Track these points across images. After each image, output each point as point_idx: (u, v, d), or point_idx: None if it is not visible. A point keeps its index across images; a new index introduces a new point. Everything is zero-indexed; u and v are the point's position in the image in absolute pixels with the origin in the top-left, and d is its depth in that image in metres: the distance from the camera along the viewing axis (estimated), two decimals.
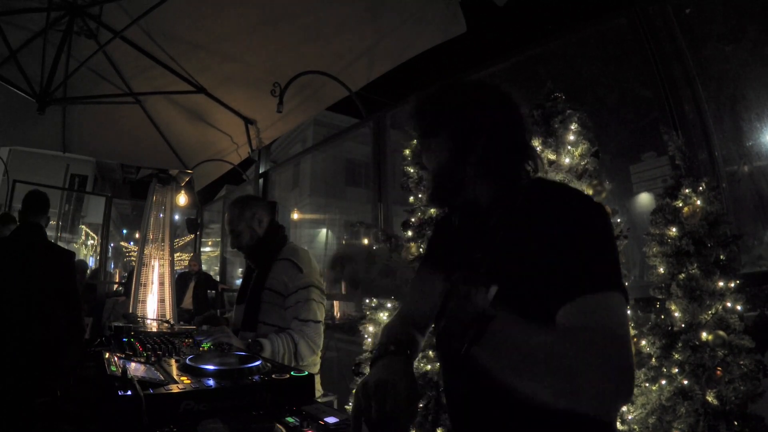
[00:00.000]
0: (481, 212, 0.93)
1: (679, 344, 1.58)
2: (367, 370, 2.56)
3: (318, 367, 1.99)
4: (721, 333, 1.52)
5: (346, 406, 2.71)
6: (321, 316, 1.90)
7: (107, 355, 1.25)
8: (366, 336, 2.68)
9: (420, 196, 2.59)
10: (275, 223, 2.06)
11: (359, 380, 2.59)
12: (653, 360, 1.67)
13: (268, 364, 1.19)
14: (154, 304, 4.49)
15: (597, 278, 0.72)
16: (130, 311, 4.11)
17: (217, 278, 7.01)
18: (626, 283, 1.78)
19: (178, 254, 9.93)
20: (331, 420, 0.92)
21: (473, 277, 0.77)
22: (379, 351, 0.86)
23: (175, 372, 1.09)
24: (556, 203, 0.81)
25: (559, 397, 0.64)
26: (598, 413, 0.66)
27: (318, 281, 1.94)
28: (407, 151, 2.73)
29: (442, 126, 0.91)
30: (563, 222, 0.77)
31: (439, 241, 1.12)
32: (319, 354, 1.97)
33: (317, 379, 1.99)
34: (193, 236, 7.37)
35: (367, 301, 2.69)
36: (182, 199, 5.34)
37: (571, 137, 2.02)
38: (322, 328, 1.91)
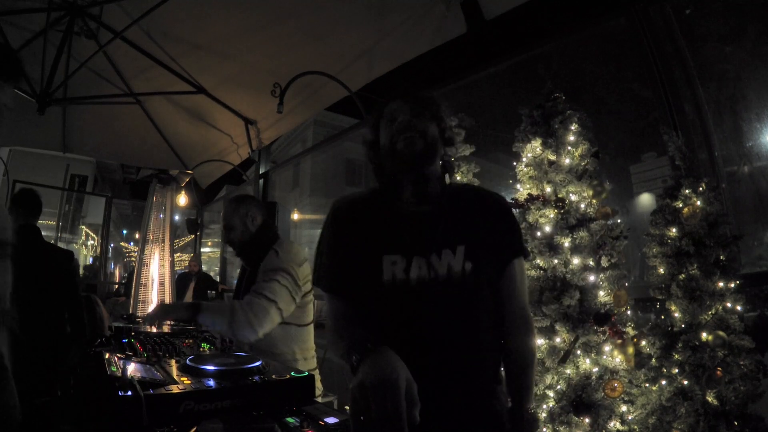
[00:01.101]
0: (427, 195, 1.12)
1: (679, 344, 1.58)
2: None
3: (308, 363, 1.93)
4: (721, 333, 1.52)
5: (346, 406, 2.71)
6: (282, 300, 1.72)
7: (107, 355, 1.25)
8: None
9: None
10: (268, 223, 2.04)
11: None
12: (653, 360, 1.67)
13: (268, 365, 1.19)
14: (154, 304, 4.49)
15: (523, 247, 1.17)
16: (131, 312, 4.11)
17: (217, 279, 7.01)
18: (626, 284, 1.78)
19: (178, 255, 9.93)
20: (331, 420, 0.92)
21: (439, 243, 1.05)
22: (358, 351, 0.84)
23: (175, 372, 1.09)
24: (489, 196, 1.18)
25: None
26: None
27: (292, 269, 1.81)
28: None
29: (437, 112, 1.16)
30: (499, 210, 1.15)
31: (363, 224, 1.14)
32: (308, 351, 1.92)
33: (317, 376, 1.96)
34: (193, 237, 7.37)
35: None
36: (182, 199, 5.34)
37: (571, 137, 2.02)
38: (275, 311, 1.71)
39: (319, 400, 1.21)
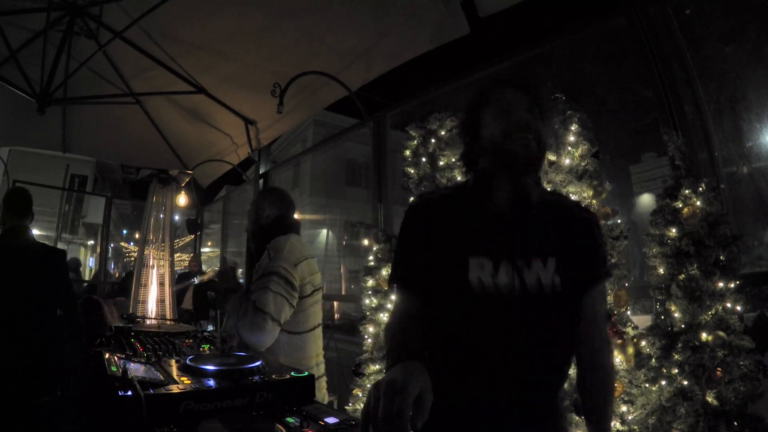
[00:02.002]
0: (524, 201, 1.03)
1: (679, 345, 1.58)
2: (367, 371, 2.56)
3: (316, 369, 1.79)
4: (721, 333, 1.52)
5: (346, 407, 2.71)
6: (276, 309, 1.62)
7: (107, 355, 1.25)
8: (366, 336, 2.68)
9: None
10: (280, 219, 1.91)
11: (359, 380, 2.60)
12: (653, 360, 1.67)
13: (269, 365, 1.19)
14: (154, 304, 4.48)
15: (609, 268, 1.13)
16: (131, 311, 4.11)
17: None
18: (626, 284, 1.78)
19: (178, 255, 9.93)
20: (331, 420, 0.92)
21: (530, 251, 0.99)
22: (391, 359, 0.85)
23: (175, 372, 1.09)
24: (583, 211, 1.13)
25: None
26: None
27: (285, 271, 1.69)
28: (407, 152, 2.73)
29: (549, 109, 1.06)
30: (592, 227, 1.09)
31: (446, 223, 1.06)
32: (315, 356, 1.81)
33: (323, 383, 1.85)
34: (193, 237, 7.37)
35: (367, 302, 2.69)
36: (182, 199, 5.34)
37: (571, 138, 2.02)
38: (270, 323, 1.60)
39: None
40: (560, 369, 1.04)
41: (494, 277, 0.97)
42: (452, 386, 0.95)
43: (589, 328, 1.03)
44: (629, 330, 1.84)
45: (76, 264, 7.75)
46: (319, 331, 1.86)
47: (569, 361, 1.06)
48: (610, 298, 1.85)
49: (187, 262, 7.25)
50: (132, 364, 1.14)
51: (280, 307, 1.64)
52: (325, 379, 1.88)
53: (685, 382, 1.54)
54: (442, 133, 2.61)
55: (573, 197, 1.99)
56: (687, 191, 1.68)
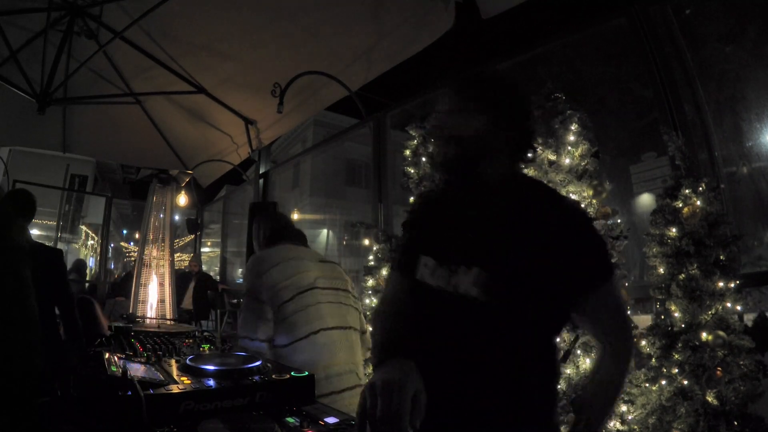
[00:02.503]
0: (483, 193, 1.00)
1: (679, 344, 1.58)
2: (367, 371, 2.56)
3: (326, 383, 1.57)
4: (721, 333, 1.52)
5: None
6: (252, 329, 1.58)
7: (107, 355, 1.25)
8: None
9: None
10: (270, 235, 1.89)
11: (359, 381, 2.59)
12: (653, 360, 1.67)
13: (269, 365, 1.19)
14: (154, 304, 4.49)
15: (609, 268, 0.95)
16: (130, 311, 4.11)
17: (217, 278, 7.01)
18: (626, 284, 1.78)
19: (178, 255, 9.93)
20: (331, 420, 0.92)
21: (459, 257, 0.94)
22: (381, 354, 0.86)
23: (175, 372, 1.09)
24: (562, 207, 0.98)
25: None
26: None
27: (253, 285, 1.63)
28: (407, 152, 2.73)
29: (492, 99, 0.98)
30: (573, 227, 0.94)
31: (429, 217, 1.10)
32: (324, 368, 1.57)
33: (345, 398, 1.60)
34: (193, 237, 7.37)
35: (367, 301, 2.69)
36: (182, 199, 5.34)
37: (571, 138, 2.02)
38: (254, 344, 1.57)
39: None
40: (505, 373, 0.91)
41: (432, 276, 0.98)
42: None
43: (595, 337, 1.02)
44: None
45: (82, 265, 7.74)
46: (326, 336, 1.59)
47: (523, 365, 0.92)
48: None
49: (187, 262, 7.25)
50: (132, 364, 1.14)
51: (252, 325, 1.60)
52: (353, 392, 1.55)
53: (685, 382, 1.54)
54: None
55: (573, 197, 1.99)
56: (687, 191, 1.68)
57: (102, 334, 1.81)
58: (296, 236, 1.91)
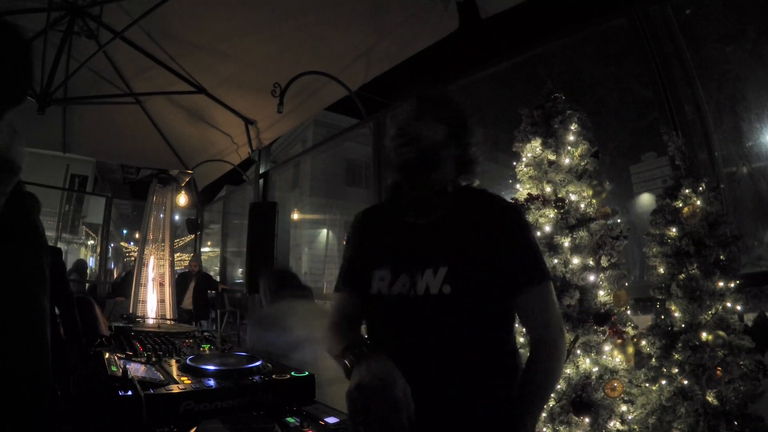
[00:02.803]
0: (432, 200, 1.06)
1: (679, 344, 1.58)
2: None
3: None
4: (721, 333, 1.52)
5: None
6: None
7: (107, 355, 1.25)
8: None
9: None
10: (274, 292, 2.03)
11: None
12: (653, 360, 1.67)
13: (269, 365, 1.19)
14: (154, 304, 4.49)
15: (543, 269, 1.02)
16: (130, 311, 4.11)
17: (217, 278, 7.01)
18: (626, 284, 1.77)
19: (178, 255, 9.93)
20: (331, 420, 0.92)
21: (424, 261, 0.99)
22: (353, 354, 0.87)
23: (175, 372, 1.09)
24: (499, 208, 1.05)
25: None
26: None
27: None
28: None
29: (448, 115, 1.07)
30: (511, 225, 1.03)
31: (370, 235, 1.16)
32: None
33: None
34: (193, 237, 7.37)
35: None
36: (182, 199, 5.34)
37: (571, 137, 2.02)
38: None
39: None
40: (472, 371, 0.95)
41: (390, 287, 1.02)
42: None
43: (530, 334, 1.02)
44: (629, 330, 1.84)
45: (82, 265, 7.76)
46: None
47: (487, 363, 0.97)
48: (609, 298, 1.85)
49: (187, 262, 7.24)
50: (132, 364, 1.14)
51: None
52: None
53: (685, 382, 1.54)
54: None
55: (573, 197, 1.99)
56: (687, 191, 1.68)
57: (101, 335, 1.81)
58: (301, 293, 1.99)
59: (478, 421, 0.94)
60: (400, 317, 1.00)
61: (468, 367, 0.96)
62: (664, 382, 1.61)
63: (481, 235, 1.00)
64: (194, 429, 0.84)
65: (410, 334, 0.99)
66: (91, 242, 15.65)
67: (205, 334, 1.91)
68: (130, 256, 14.66)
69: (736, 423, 1.44)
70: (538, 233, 2.00)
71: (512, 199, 2.09)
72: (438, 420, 0.92)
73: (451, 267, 0.97)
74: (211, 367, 1.08)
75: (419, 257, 1.01)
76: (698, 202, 1.65)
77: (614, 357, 1.79)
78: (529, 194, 2.06)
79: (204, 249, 11.73)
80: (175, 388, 0.93)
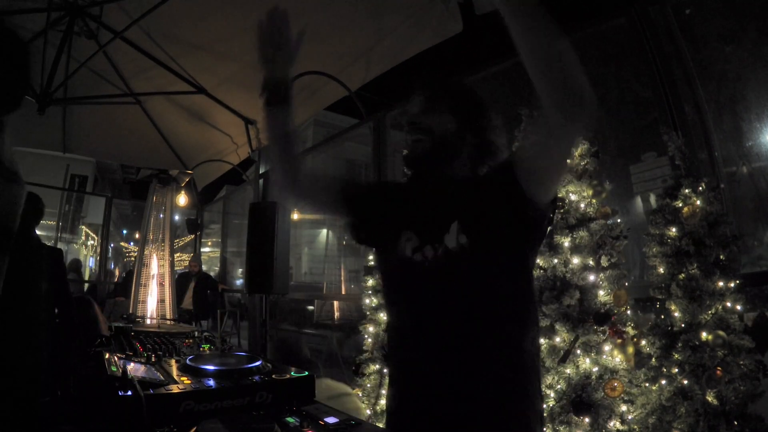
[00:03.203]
0: (446, 185, 1.05)
1: (679, 344, 1.57)
2: (367, 371, 2.56)
3: None
4: (721, 333, 1.52)
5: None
6: None
7: (107, 355, 1.25)
8: (366, 336, 2.68)
9: None
10: None
11: (359, 380, 2.60)
12: (653, 360, 1.67)
13: (269, 365, 1.19)
14: (154, 304, 4.49)
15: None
16: (130, 311, 4.11)
17: (217, 279, 7.01)
18: (626, 284, 1.77)
19: (178, 255, 9.93)
20: (331, 420, 0.92)
21: (437, 225, 0.99)
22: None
23: (175, 372, 1.09)
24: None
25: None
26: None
27: None
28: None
29: (461, 105, 1.05)
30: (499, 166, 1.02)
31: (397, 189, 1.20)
32: None
33: None
34: (193, 237, 7.36)
35: (367, 301, 2.69)
36: (182, 199, 5.34)
37: None
38: None
39: None
40: (491, 323, 0.96)
41: (414, 248, 1.01)
42: (396, 350, 1.07)
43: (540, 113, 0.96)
44: (629, 330, 1.84)
45: (77, 265, 7.77)
46: None
47: (508, 315, 0.97)
48: (609, 298, 1.85)
49: (187, 262, 7.24)
50: (132, 364, 1.14)
51: None
52: None
53: (685, 382, 1.54)
54: None
55: (573, 197, 1.99)
56: (687, 191, 1.68)
57: (101, 335, 1.81)
58: None
59: (494, 370, 0.95)
60: (420, 277, 1.00)
61: (487, 315, 0.95)
62: (664, 382, 1.61)
63: (487, 187, 1.00)
64: (194, 429, 0.84)
65: (429, 290, 0.99)
66: (91, 242, 15.65)
67: (205, 334, 1.91)
68: (130, 256, 14.67)
69: (736, 423, 1.44)
70: None
71: None
72: (454, 369, 0.94)
73: (462, 219, 0.97)
74: (211, 367, 1.08)
75: (435, 220, 1.01)
76: (698, 202, 1.65)
77: (614, 357, 1.79)
78: None
79: (204, 249, 11.73)
80: (175, 388, 0.93)
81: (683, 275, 1.63)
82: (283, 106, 1.09)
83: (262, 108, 1.10)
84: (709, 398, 1.49)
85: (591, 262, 1.89)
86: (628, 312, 1.88)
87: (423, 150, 1.03)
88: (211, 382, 1.00)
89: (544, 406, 1.82)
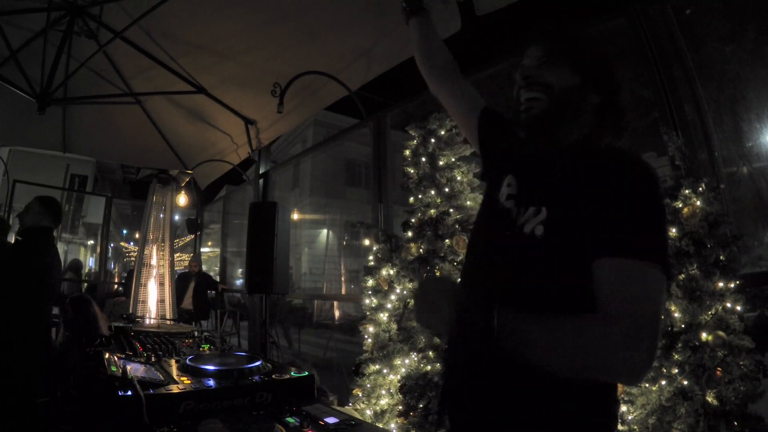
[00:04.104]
0: (557, 148, 0.94)
1: (679, 344, 1.57)
2: (367, 371, 2.56)
3: None
4: (721, 333, 1.52)
5: (347, 407, 2.71)
6: None
7: (107, 355, 1.25)
8: (366, 336, 2.68)
9: (420, 196, 2.59)
10: None
11: (359, 380, 2.60)
12: None
13: (269, 365, 1.19)
14: (154, 304, 4.48)
15: (644, 246, 0.77)
16: (130, 311, 4.11)
17: (217, 278, 7.01)
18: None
19: (178, 254, 9.93)
20: (331, 420, 0.92)
21: (529, 197, 0.91)
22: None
23: (175, 372, 1.09)
24: (625, 166, 0.84)
25: (581, 372, 0.74)
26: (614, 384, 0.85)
27: None
28: (407, 152, 2.73)
29: (584, 58, 0.93)
30: (631, 187, 0.81)
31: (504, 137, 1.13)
32: None
33: None
34: (193, 237, 7.36)
35: (367, 301, 2.69)
36: (182, 199, 5.34)
37: None
38: None
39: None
40: (556, 306, 0.82)
41: (507, 200, 0.95)
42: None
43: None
44: None
45: (78, 264, 7.77)
46: None
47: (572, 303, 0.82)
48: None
49: (187, 262, 7.24)
50: (132, 364, 1.14)
51: None
52: None
53: (685, 382, 1.54)
54: (442, 132, 2.61)
55: None
56: (687, 191, 1.68)
57: (100, 335, 1.81)
58: None
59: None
60: (492, 243, 0.96)
61: (535, 308, 0.81)
62: (664, 382, 1.61)
63: (595, 187, 0.82)
64: None
65: (493, 261, 0.94)
66: (90, 242, 15.65)
67: (205, 334, 1.91)
68: (130, 256, 14.67)
69: (736, 423, 1.44)
70: None
71: None
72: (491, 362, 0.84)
73: (551, 211, 0.86)
74: (211, 367, 1.08)
75: (530, 191, 0.93)
76: (698, 202, 1.65)
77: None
78: None
79: (204, 249, 11.73)
80: (175, 388, 0.93)
81: (683, 275, 1.63)
82: (420, 14, 1.38)
83: (406, 22, 1.41)
84: (709, 399, 1.49)
85: None
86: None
87: (539, 109, 0.92)
88: (211, 382, 1.00)
89: None
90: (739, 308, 1.57)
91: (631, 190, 0.80)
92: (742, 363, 1.48)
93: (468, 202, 2.51)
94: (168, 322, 3.67)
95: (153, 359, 1.24)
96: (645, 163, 0.84)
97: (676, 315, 1.63)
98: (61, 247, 12.54)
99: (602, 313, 0.75)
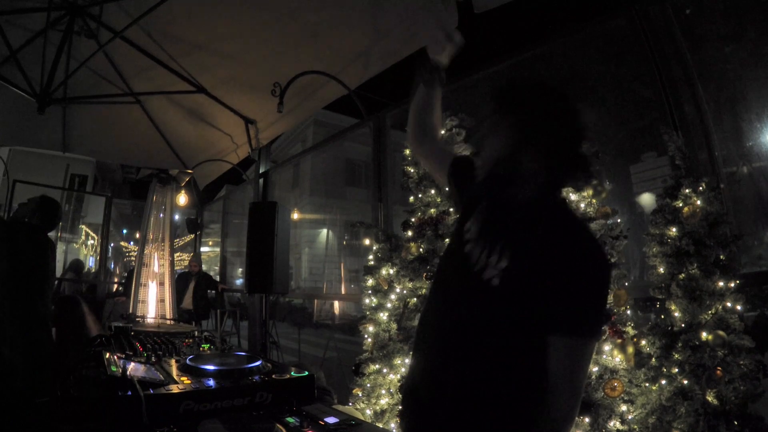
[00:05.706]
0: (513, 204, 1.00)
1: (679, 344, 1.57)
2: (367, 371, 2.56)
3: None
4: (721, 333, 1.52)
5: (347, 406, 2.71)
6: None
7: (107, 355, 1.25)
8: (366, 336, 2.68)
9: (420, 196, 2.59)
10: None
11: (359, 380, 2.60)
12: (653, 360, 1.67)
13: (269, 365, 1.19)
14: (154, 304, 4.49)
15: (591, 329, 0.93)
16: (130, 311, 4.11)
17: (217, 278, 7.00)
18: (626, 284, 1.76)
19: (178, 254, 9.93)
20: (331, 420, 0.92)
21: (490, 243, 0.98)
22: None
23: (175, 372, 1.09)
24: (584, 243, 0.96)
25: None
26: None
27: None
28: (407, 151, 2.73)
29: (526, 112, 0.96)
30: (583, 264, 0.92)
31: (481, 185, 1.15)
32: None
33: None
34: (193, 236, 7.36)
35: (367, 301, 2.69)
36: (182, 199, 5.34)
37: None
38: None
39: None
40: (492, 364, 0.95)
41: (473, 248, 1.01)
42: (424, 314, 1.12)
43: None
44: (629, 329, 1.84)
45: (79, 265, 7.77)
46: None
47: (506, 363, 0.95)
48: (609, 298, 1.84)
49: (187, 262, 7.24)
50: (132, 364, 1.14)
51: None
52: None
53: (685, 382, 1.54)
54: (442, 132, 2.61)
55: (573, 197, 1.98)
56: (687, 191, 1.68)
57: (86, 335, 1.81)
58: None
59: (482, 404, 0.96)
60: (456, 276, 1.04)
61: (485, 354, 0.96)
62: (664, 381, 1.61)
63: (553, 263, 0.91)
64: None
65: (453, 297, 1.03)
66: (91, 242, 15.65)
67: (205, 334, 1.91)
68: (130, 256, 14.67)
69: (736, 423, 1.44)
70: None
71: None
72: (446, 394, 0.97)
73: (509, 268, 0.93)
74: (211, 367, 1.08)
75: (497, 239, 0.98)
76: (698, 202, 1.65)
77: (614, 357, 1.79)
78: None
79: (204, 249, 11.73)
80: (175, 388, 0.93)
81: (683, 275, 1.63)
82: (435, 86, 1.30)
83: (421, 84, 1.31)
84: (709, 398, 1.49)
85: None
86: (628, 312, 1.88)
87: (486, 172, 1.03)
88: (211, 382, 1.00)
89: None
90: (739, 308, 1.57)
91: (588, 277, 0.91)
92: (742, 362, 1.48)
93: None
94: (168, 322, 3.67)
95: (153, 359, 1.24)
96: (600, 250, 1.01)
97: (676, 315, 1.63)
98: (60, 247, 12.55)
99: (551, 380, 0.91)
